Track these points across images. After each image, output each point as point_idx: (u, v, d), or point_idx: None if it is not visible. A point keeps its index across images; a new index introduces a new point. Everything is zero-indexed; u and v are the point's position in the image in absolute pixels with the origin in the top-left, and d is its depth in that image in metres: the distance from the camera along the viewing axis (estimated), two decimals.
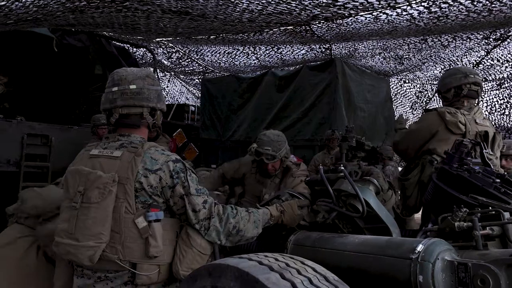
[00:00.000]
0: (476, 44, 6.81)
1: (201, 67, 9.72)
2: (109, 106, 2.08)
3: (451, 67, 8.27)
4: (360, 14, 4.88)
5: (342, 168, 2.35)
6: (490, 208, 1.93)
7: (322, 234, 2.21)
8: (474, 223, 1.77)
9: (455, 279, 1.61)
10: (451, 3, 4.42)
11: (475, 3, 4.43)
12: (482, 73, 8.38)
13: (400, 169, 5.87)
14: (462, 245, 1.80)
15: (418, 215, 3.94)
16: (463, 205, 1.91)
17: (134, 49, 8.83)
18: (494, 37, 6.42)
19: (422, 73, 9.14)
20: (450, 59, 7.80)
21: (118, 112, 2.07)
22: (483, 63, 7.86)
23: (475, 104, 3.38)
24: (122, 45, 8.38)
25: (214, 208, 2.04)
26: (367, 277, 1.82)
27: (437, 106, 10.18)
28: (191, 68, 9.88)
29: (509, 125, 9.06)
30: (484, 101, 9.35)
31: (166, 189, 1.97)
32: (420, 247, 1.66)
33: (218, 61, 8.88)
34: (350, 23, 5.37)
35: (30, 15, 4.21)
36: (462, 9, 4.61)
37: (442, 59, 7.81)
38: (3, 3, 3.59)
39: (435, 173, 2.49)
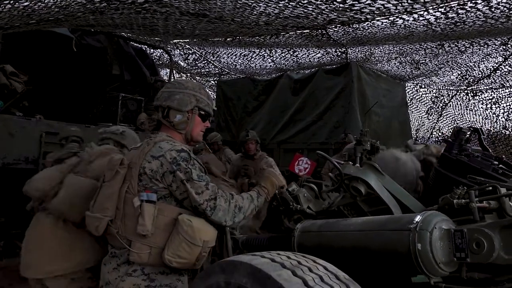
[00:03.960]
0: (494, 50, 6.75)
1: (217, 69, 9.79)
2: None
3: (468, 72, 8.22)
4: (376, 19, 4.88)
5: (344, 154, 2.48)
6: (487, 184, 1.96)
7: (327, 220, 2.27)
8: (470, 195, 1.80)
9: (452, 246, 1.67)
10: (469, 9, 4.40)
11: (493, 9, 4.40)
12: (500, 79, 8.29)
13: None
14: (460, 219, 1.83)
15: None
16: (462, 186, 1.95)
17: (152, 50, 8.93)
18: None
19: (439, 78, 9.08)
20: (467, 64, 7.75)
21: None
22: (500, 69, 7.78)
23: None
24: (139, 46, 8.46)
25: (218, 190, 2.14)
26: (370, 254, 1.87)
27: (453, 111, 10.17)
28: (207, 69, 9.96)
29: None
30: (501, 107, 9.26)
31: (167, 174, 2.07)
32: (418, 218, 1.72)
33: (234, 63, 8.93)
34: (367, 28, 5.37)
35: (51, 15, 4.30)
36: (480, 15, 4.58)
37: (459, 64, 7.76)
38: (26, 3, 3.68)
39: (437, 161, 2.58)
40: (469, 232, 1.65)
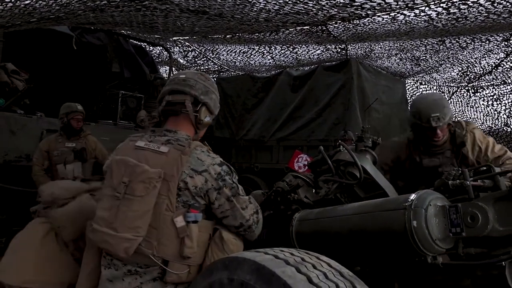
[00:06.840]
0: (496, 46, 6.71)
1: (216, 66, 9.76)
2: (161, 96, 2.10)
3: (469, 69, 8.19)
4: (377, 14, 4.87)
5: (340, 141, 2.50)
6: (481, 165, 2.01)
7: (324, 207, 2.29)
8: (464, 174, 1.82)
9: (448, 222, 1.69)
10: (471, 4, 4.39)
11: (495, 4, 4.38)
12: (501, 75, 8.27)
13: None
14: (456, 199, 1.85)
15: None
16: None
17: (151, 47, 8.92)
18: None
19: (439, 75, 9.05)
20: (468, 61, 7.71)
21: (166, 100, 2.06)
22: (502, 65, 7.75)
23: None
24: (139, 43, 8.46)
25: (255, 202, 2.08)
26: (367, 236, 1.88)
27: (454, 108, 10.14)
28: (206, 67, 9.93)
29: None
30: (503, 104, 9.23)
31: (212, 191, 1.91)
32: (413, 196, 1.75)
33: (233, 60, 8.91)
34: (367, 24, 5.35)
35: (52, 13, 4.29)
36: (482, 10, 4.56)
37: (460, 61, 7.73)
38: (27, 1, 3.67)
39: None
40: (464, 207, 1.67)
